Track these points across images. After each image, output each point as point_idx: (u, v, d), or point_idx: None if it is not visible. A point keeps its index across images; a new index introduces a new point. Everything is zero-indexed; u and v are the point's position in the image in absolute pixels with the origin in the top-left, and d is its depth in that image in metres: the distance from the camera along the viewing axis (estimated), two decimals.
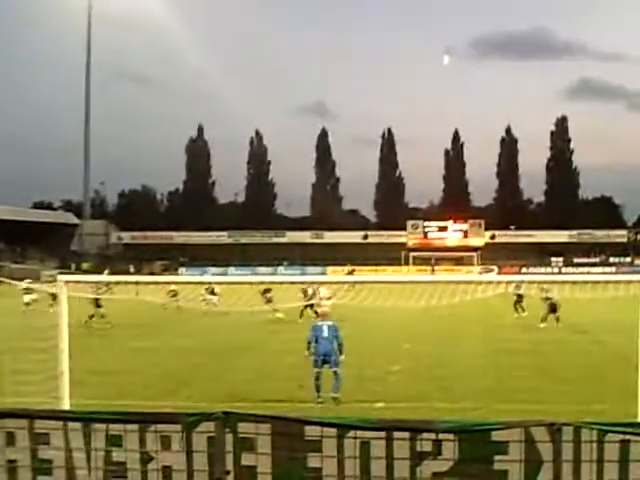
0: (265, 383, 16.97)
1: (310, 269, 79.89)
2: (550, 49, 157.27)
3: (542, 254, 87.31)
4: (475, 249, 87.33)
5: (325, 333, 15.56)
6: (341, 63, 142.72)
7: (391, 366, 18.95)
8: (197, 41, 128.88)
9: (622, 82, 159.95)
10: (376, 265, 77.78)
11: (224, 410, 7.28)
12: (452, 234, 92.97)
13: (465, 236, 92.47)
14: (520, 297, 32.90)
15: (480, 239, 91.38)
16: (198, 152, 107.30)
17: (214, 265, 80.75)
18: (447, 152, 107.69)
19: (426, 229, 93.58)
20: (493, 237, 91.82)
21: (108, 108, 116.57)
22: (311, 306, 30.45)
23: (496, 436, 6.85)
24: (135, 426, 7.32)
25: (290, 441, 7.14)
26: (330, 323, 15.91)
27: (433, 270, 78.50)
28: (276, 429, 7.18)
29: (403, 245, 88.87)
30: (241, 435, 7.18)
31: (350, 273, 64.24)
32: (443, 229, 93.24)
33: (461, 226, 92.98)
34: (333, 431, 7.09)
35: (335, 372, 15.38)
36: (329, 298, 28.52)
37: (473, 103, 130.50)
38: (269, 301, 31.31)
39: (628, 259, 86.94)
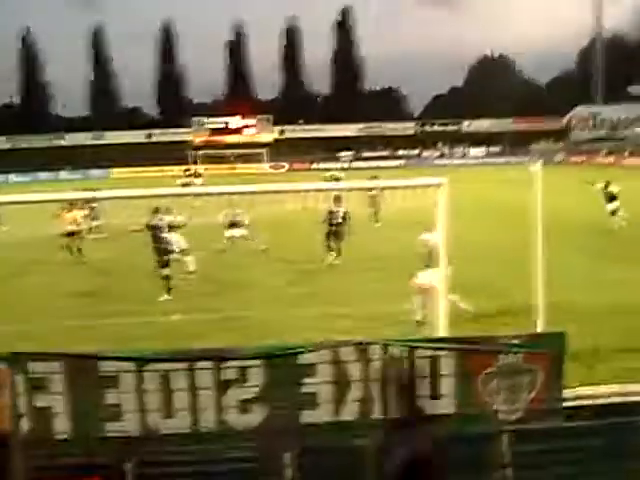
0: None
1: (93, 172, 76.67)
2: None
3: (331, 149, 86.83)
4: (264, 145, 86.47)
5: None
6: None
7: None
8: None
9: None
10: (162, 165, 72.91)
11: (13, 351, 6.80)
12: (240, 130, 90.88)
13: (256, 132, 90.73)
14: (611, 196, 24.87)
15: (269, 135, 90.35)
16: None
17: None
18: (228, 44, 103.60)
19: (211, 125, 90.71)
20: (282, 132, 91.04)
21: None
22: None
23: (303, 359, 6.77)
24: None
25: (85, 378, 6.75)
26: None
27: (234, 169, 76.37)
28: (69, 367, 6.76)
29: (189, 143, 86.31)
30: (32, 375, 6.73)
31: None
32: (230, 125, 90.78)
33: (249, 121, 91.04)
34: (131, 365, 6.78)
35: None
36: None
37: None
38: None
39: (416, 151, 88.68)
